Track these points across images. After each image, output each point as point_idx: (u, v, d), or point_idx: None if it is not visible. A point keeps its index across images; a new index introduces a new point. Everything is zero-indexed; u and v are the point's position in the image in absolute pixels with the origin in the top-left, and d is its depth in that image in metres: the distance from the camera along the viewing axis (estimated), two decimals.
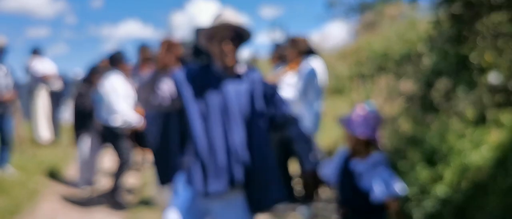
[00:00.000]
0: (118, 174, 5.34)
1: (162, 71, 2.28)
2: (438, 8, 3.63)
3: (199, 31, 2.51)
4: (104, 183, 6.06)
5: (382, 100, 6.68)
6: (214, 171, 2.35)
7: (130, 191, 5.70)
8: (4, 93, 5.68)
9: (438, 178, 3.86)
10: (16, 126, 6.78)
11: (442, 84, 4.84)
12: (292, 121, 2.83)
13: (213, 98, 2.39)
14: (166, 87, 2.35)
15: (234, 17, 2.44)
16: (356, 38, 13.83)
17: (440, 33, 3.93)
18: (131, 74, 5.66)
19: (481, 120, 4.26)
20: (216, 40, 2.43)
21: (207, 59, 2.54)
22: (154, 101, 2.32)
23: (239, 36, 2.47)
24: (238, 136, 2.38)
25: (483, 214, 3.24)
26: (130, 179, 6.07)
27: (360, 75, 9.06)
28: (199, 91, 2.40)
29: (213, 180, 2.34)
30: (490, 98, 4.14)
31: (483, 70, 3.76)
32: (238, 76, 2.49)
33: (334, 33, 13.66)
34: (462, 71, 3.89)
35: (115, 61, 5.40)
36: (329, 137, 6.64)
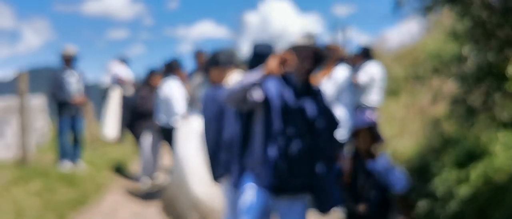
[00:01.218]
0: None
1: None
2: (463, 16, 3.75)
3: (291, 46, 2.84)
4: (163, 178, 6.61)
5: (427, 101, 6.75)
6: (284, 173, 2.68)
7: None
8: (76, 97, 6.38)
9: (464, 180, 4.01)
10: (88, 126, 7.50)
11: (480, 88, 4.91)
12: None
13: (291, 108, 2.73)
14: (256, 92, 2.69)
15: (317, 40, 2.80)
16: (418, 39, 13.62)
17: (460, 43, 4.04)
18: (187, 79, 6.14)
19: None
20: (299, 58, 2.76)
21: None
22: (242, 100, 2.65)
23: (319, 57, 2.81)
24: (307, 144, 2.71)
25: (501, 213, 3.38)
26: None
27: (415, 77, 9.05)
28: (280, 100, 2.73)
29: (281, 180, 2.68)
30: None
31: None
32: (312, 91, 2.82)
33: (398, 34, 13.48)
34: (491, 76, 3.98)
35: (172, 67, 5.93)
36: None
